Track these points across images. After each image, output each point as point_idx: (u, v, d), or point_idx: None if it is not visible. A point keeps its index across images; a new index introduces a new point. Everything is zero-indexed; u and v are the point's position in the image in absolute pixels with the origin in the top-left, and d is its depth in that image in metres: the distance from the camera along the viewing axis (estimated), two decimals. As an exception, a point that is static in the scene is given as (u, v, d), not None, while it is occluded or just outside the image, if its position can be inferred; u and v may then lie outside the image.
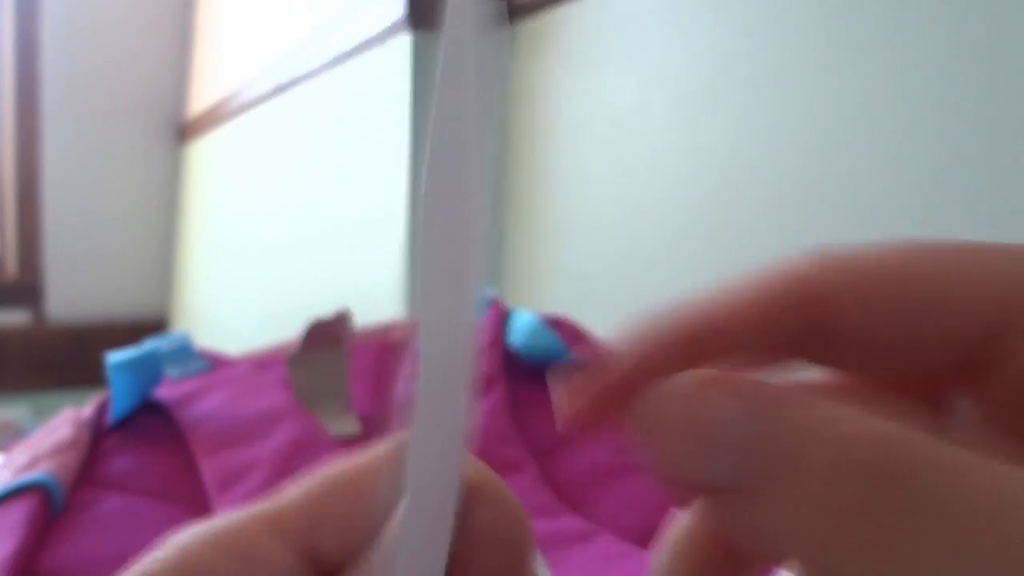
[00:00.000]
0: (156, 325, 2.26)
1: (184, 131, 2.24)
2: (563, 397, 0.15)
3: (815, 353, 0.15)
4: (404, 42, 1.11)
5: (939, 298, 0.14)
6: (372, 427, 0.60)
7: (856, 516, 0.11)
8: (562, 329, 0.71)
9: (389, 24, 1.13)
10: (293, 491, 0.15)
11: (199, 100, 2.15)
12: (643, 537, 0.45)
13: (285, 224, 1.56)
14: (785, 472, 0.12)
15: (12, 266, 2.11)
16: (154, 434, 0.49)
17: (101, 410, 0.51)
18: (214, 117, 1.96)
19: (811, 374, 0.16)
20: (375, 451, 0.15)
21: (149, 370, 0.50)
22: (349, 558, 0.14)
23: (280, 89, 1.55)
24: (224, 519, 0.15)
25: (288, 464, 0.51)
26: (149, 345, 0.52)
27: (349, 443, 0.57)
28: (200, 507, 0.46)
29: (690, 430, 0.13)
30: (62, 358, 2.08)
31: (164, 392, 0.52)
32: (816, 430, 0.12)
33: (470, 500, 0.13)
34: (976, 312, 0.14)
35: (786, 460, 0.12)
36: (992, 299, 0.14)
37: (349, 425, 0.60)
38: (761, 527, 0.12)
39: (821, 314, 0.15)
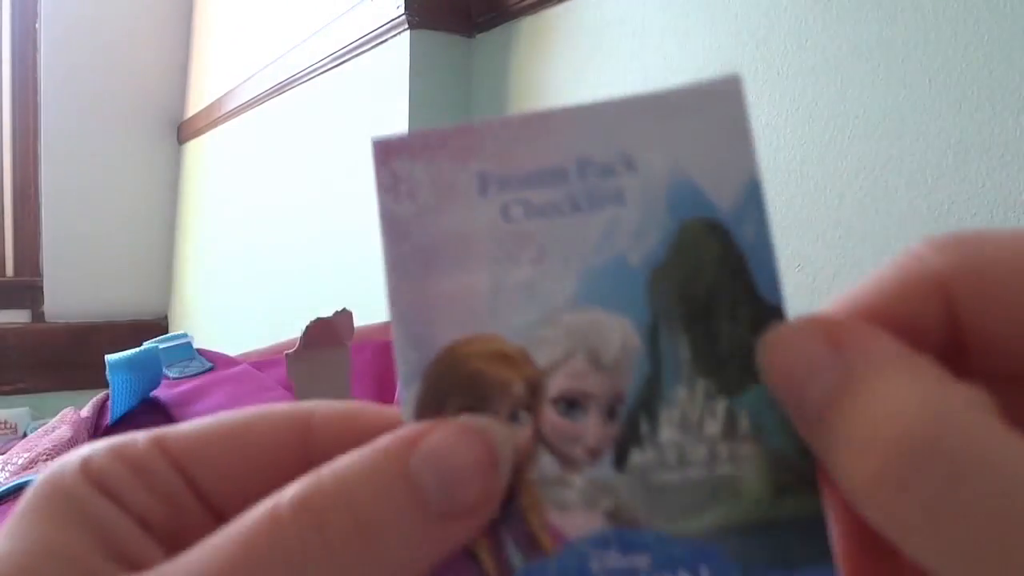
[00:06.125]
0: (156, 325, 2.26)
1: (183, 130, 2.24)
2: None
3: (949, 350, 0.14)
4: (403, 41, 1.11)
5: None
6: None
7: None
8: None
9: (388, 23, 1.13)
10: (192, 424, 0.16)
11: (198, 99, 2.14)
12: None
13: (285, 223, 1.56)
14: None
15: (11, 266, 2.11)
16: (153, 434, 0.49)
17: (100, 410, 0.51)
18: (213, 116, 1.95)
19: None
20: (273, 408, 0.17)
21: (148, 370, 0.50)
22: (224, 496, 0.16)
23: (280, 88, 1.55)
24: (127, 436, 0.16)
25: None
26: (149, 345, 0.52)
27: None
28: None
29: None
30: (61, 358, 2.07)
31: (163, 392, 0.51)
32: None
33: None
34: None
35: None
36: None
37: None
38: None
39: (956, 310, 0.14)
